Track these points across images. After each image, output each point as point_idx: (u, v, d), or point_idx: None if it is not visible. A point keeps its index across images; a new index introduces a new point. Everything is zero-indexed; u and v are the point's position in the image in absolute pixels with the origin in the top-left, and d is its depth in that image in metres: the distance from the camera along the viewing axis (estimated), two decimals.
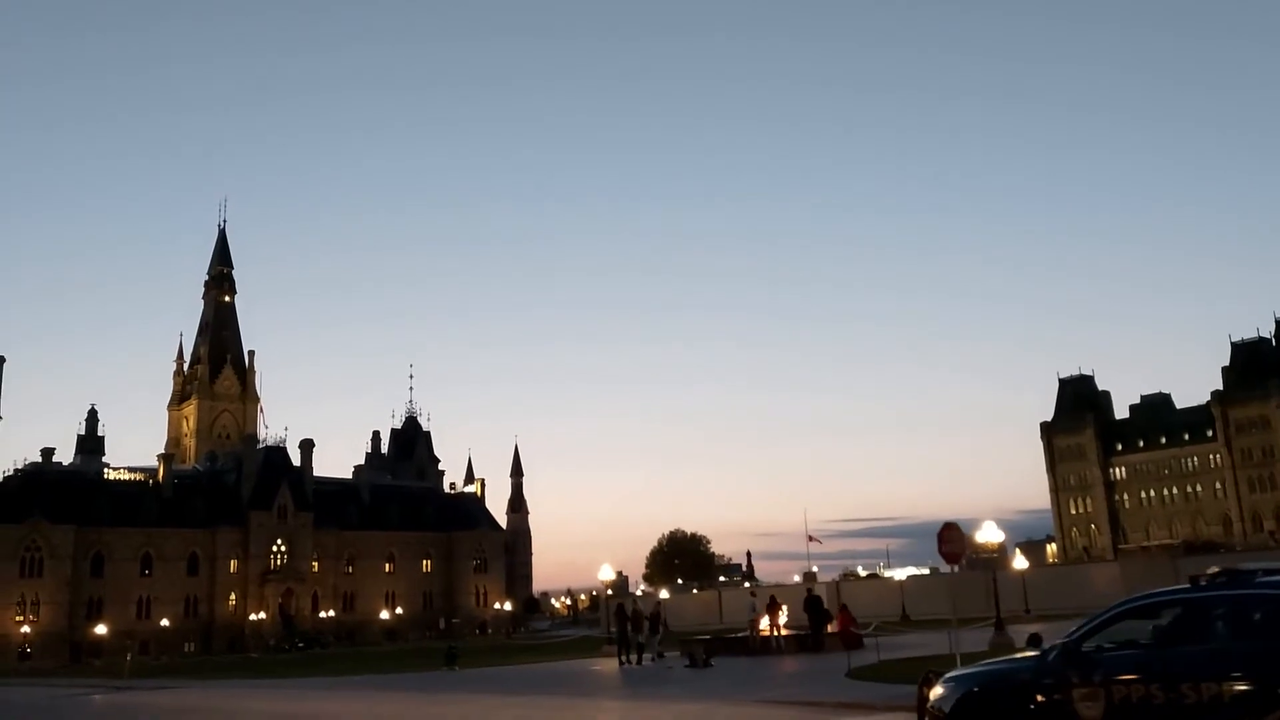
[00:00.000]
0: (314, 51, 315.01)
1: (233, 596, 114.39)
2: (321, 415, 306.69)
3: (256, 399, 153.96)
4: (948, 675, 10.78)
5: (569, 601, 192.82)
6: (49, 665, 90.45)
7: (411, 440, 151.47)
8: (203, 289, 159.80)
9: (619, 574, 70.31)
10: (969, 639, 26.03)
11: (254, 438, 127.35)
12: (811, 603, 37.48)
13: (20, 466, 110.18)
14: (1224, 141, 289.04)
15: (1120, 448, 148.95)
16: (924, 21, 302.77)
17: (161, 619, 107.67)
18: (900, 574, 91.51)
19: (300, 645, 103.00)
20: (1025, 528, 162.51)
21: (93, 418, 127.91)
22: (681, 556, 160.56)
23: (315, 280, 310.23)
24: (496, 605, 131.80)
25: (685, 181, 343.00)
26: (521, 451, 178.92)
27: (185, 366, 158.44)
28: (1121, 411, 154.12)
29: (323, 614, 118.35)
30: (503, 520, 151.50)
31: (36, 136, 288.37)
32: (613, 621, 41.52)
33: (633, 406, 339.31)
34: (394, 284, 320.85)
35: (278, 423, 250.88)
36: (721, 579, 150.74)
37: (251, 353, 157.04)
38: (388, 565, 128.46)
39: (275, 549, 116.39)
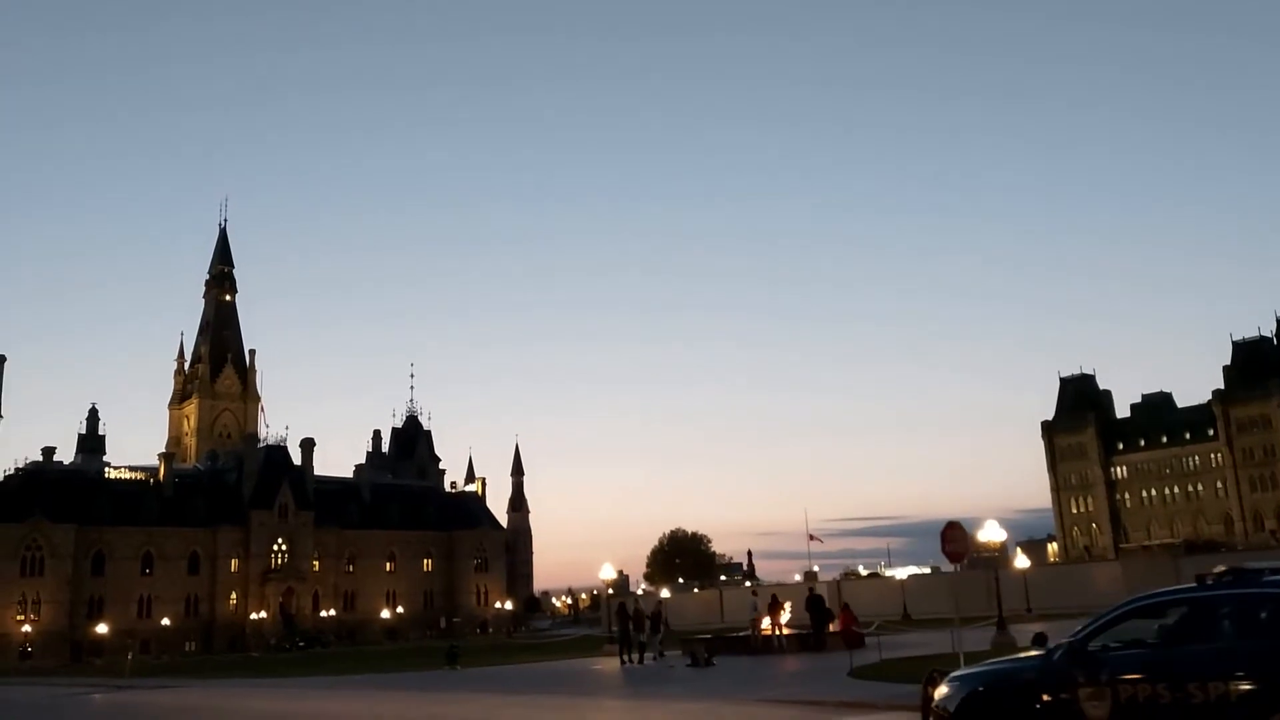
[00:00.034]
0: (314, 51, 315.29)
1: (233, 596, 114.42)
2: (322, 414, 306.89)
3: (257, 398, 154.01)
4: (952, 675, 10.75)
5: (570, 601, 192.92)
6: (50, 664, 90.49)
7: (412, 439, 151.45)
8: (203, 288, 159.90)
9: (620, 573, 70.01)
10: (971, 638, 26.00)
11: (255, 437, 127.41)
12: (813, 602, 37.45)
13: (21, 466, 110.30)
14: (1224, 141, 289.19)
15: (1121, 447, 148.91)
16: (924, 21, 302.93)
17: (162, 618, 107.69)
18: (901, 573, 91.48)
19: (301, 644, 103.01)
20: (1026, 527, 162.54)
21: (93, 417, 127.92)
22: (682, 556, 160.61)
23: (316, 279, 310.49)
24: (497, 604, 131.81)
25: (685, 181, 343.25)
26: (522, 451, 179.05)
27: (186, 366, 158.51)
28: (1123, 411, 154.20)
29: (323, 613, 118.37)
30: (504, 519, 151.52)
31: (36, 136, 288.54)
32: (614, 621, 41.49)
33: (633, 406, 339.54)
34: (394, 283, 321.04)
35: (278, 422, 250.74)
36: (722, 578, 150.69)
37: (252, 352, 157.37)
38: (388, 564, 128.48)
39: (276, 548, 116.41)
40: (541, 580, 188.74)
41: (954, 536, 21.17)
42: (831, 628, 36.71)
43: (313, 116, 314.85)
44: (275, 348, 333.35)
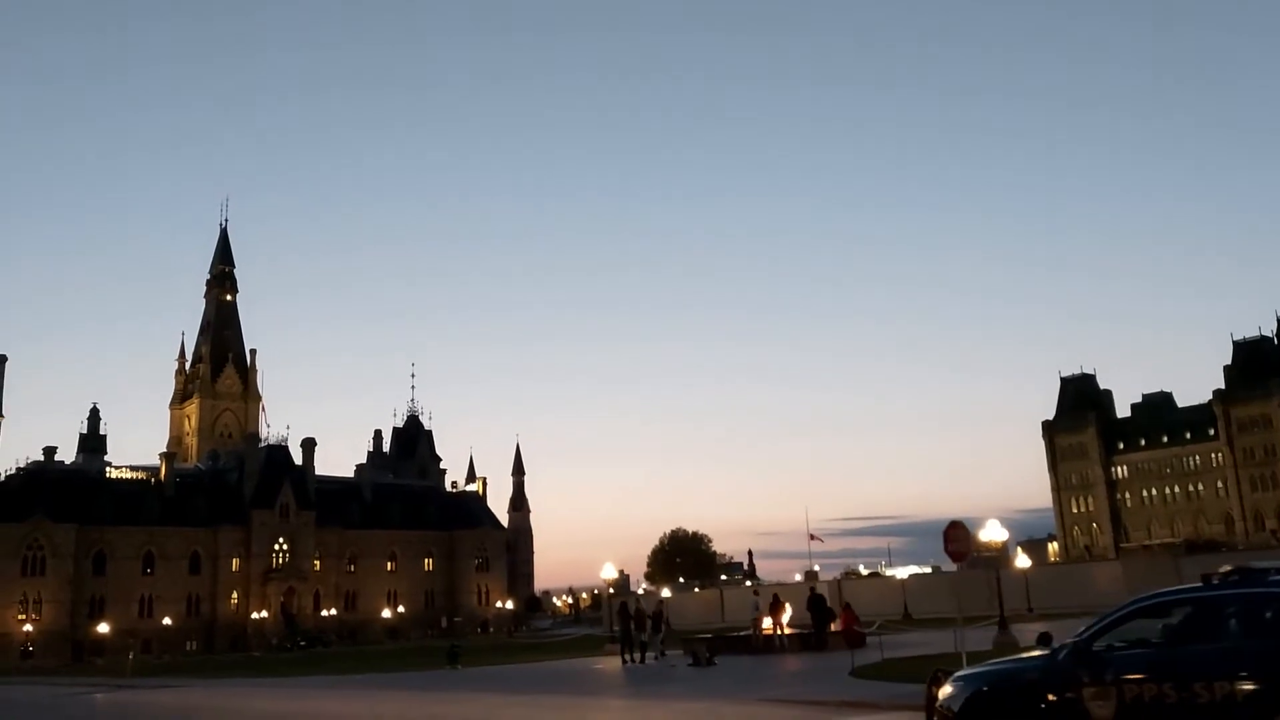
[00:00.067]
0: (314, 51, 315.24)
1: (235, 595, 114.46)
2: (323, 414, 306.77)
3: (258, 398, 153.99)
4: (956, 674, 10.73)
5: (570, 600, 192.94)
6: (51, 664, 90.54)
7: (413, 439, 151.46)
8: (204, 288, 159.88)
9: (621, 573, 69.98)
10: (973, 638, 25.96)
11: (256, 436, 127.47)
12: (815, 601, 37.42)
13: (22, 465, 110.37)
14: (1226, 139, 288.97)
15: (1122, 446, 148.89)
16: (924, 21, 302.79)
17: (164, 618, 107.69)
18: (902, 573, 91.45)
19: (302, 644, 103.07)
20: (1027, 526, 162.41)
21: (95, 416, 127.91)
22: (683, 555, 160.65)
23: (317, 279, 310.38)
24: (498, 604, 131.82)
25: (685, 181, 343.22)
26: (523, 450, 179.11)
27: (187, 365, 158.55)
28: (1123, 410, 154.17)
29: (325, 613, 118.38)
30: (504, 519, 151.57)
31: (36, 136, 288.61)
32: (616, 620, 41.47)
33: (634, 405, 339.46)
34: (395, 283, 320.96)
35: (279, 421, 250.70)
36: (723, 578, 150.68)
37: (253, 351, 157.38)
38: (389, 564, 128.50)
39: (277, 548, 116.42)
40: (542, 580, 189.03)
41: (957, 536, 21.14)
42: (833, 627, 36.68)
43: (313, 116, 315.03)
44: (276, 347, 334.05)
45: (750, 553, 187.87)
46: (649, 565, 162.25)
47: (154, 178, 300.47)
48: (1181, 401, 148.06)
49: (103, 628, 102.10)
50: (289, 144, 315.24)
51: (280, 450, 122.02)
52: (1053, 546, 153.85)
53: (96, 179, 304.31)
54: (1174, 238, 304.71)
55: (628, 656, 35.71)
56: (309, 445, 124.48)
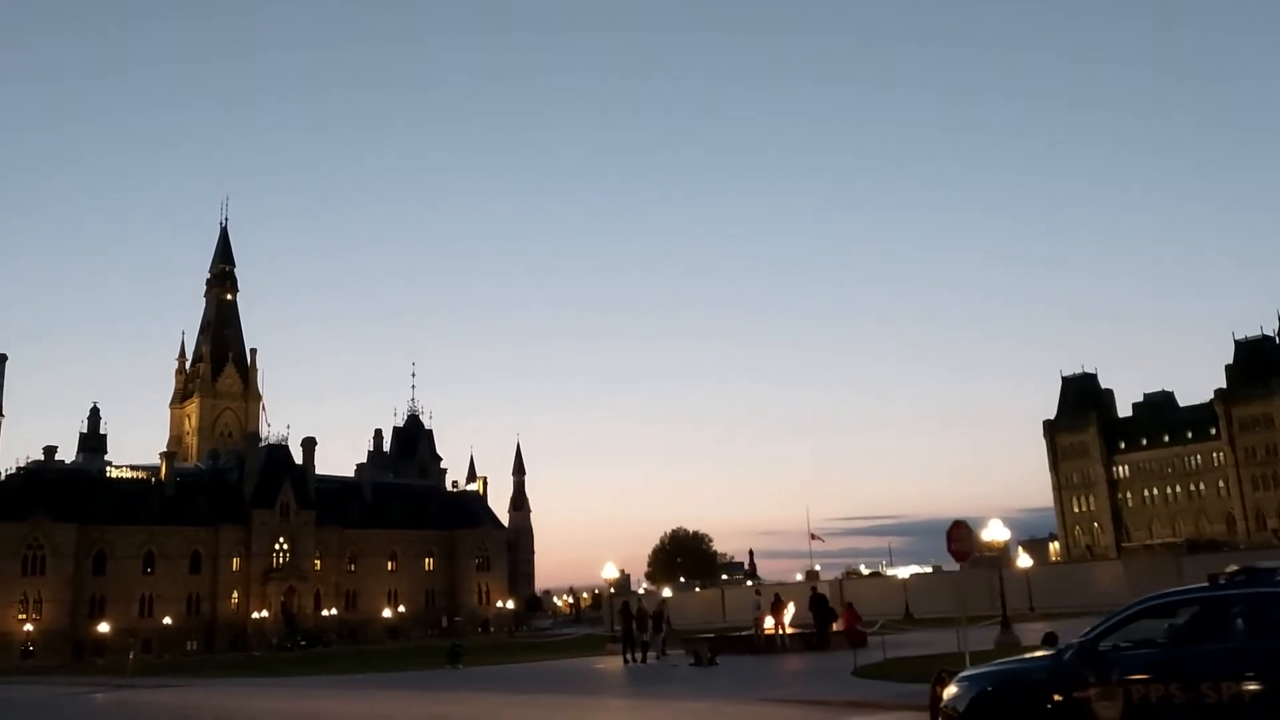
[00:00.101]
0: (314, 50, 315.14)
1: (235, 595, 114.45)
2: (323, 413, 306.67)
3: (259, 397, 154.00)
4: (961, 674, 10.67)
5: (571, 600, 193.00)
6: (51, 663, 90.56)
7: (414, 438, 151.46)
8: (205, 287, 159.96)
9: (622, 572, 70.13)
10: (975, 637, 25.86)
11: (256, 436, 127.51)
12: (816, 601, 37.33)
13: (23, 465, 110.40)
14: (1227, 138, 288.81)
15: (1123, 446, 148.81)
16: (923, 20, 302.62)
17: (164, 617, 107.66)
18: (903, 572, 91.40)
19: (303, 643, 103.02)
20: (1028, 526, 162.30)
21: (95, 416, 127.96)
22: (684, 555, 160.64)
23: (317, 278, 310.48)
24: (499, 603, 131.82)
25: (686, 181, 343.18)
26: (523, 450, 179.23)
27: (187, 364, 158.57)
28: (1124, 410, 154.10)
29: (325, 612, 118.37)
30: (505, 518, 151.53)
31: (36, 136, 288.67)
32: (617, 619, 41.42)
33: (634, 405, 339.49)
34: (396, 282, 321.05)
35: (280, 421, 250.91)
36: (724, 577, 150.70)
37: (253, 351, 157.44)
38: (390, 563, 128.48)
39: (277, 547, 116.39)
40: (543, 579, 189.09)
41: (960, 535, 21.08)
42: (835, 627, 36.62)
43: (313, 116, 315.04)
44: (276, 347, 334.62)
45: (751, 552, 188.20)
46: (650, 565, 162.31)
47: (154, 178, 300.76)
48: (1183, 401, 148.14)
49: (103, 627, 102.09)
50: (289, 144, 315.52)
51: (280, 450, 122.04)
52: (1054, 546, 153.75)
53: (96, 179, 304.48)
54: (1174, 237, 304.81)
55: (629, 656, 35.67)
56: (309, 445, 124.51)
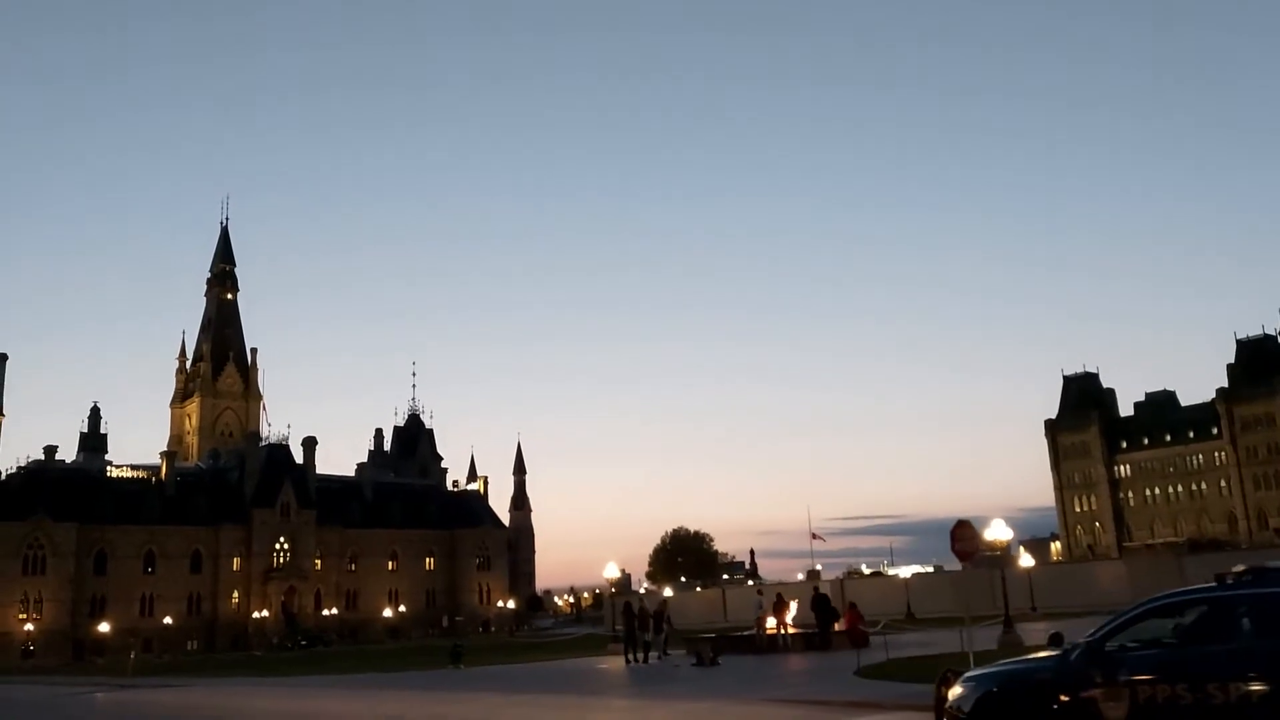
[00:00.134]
0: (314, 50, 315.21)
1: (236, 594, 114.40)
2: (324, 413, 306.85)
3: (259, 396, 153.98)
4: (967, 675, 10.62)
5: (572, 600, 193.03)
6: (52, 663, 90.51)
7: (414, 438, 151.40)
8: (205, 286, 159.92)
9: (623, 572, 70.18)
10: (977, 637, 25.78)
11: (257, 435, 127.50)
12: (819, 601, 37.26)
13: (23, 464, 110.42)
14: (1228, 138, 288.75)
15: (1125, 445, 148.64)
16: (924, 20, 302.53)
17: (164, 617, 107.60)
18: (905, 572, 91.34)
19: (303, 643, 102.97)
20: (1029, 525, 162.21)
21: (95, 415, 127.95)
22: (684, 554, 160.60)
23: (317, 278, 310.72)
24: (499, 603, 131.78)
25: (686, 181, 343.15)
26: (524, 449, 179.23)
27: (188, 364, 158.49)
28: (1126, 409, 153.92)
29: (325, 612, 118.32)
30: (506, 518, 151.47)
31: (36, 136, 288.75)
32: (619, 619, 41.34)
33: (635, 404, 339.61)
34: (396, 282, 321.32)
35: (280, 420, 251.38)
36: (725, 577, 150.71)
37: (254, 350, 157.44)
38: (390, 563, 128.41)
39: (278, 547, 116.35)
40: (543, 579, 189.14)
41: (964, 535, 21.03)
42: (837, 627, 36.56)
43: (313, 116, 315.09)
44: (277, 346, 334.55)
45: (752, 552, 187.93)
46: (650, 564, 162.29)
47: (154, 178, 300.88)
48: (1185, 400, 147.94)
49: (104, 627, 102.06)
50: (289, 144, 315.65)
51: (281, 449, 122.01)
52: (1055, 546, 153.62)
53: (96, 179, 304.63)
54: (1174, 237, 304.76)
55: (631, 656, 35.62)
56: (310, 444, 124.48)
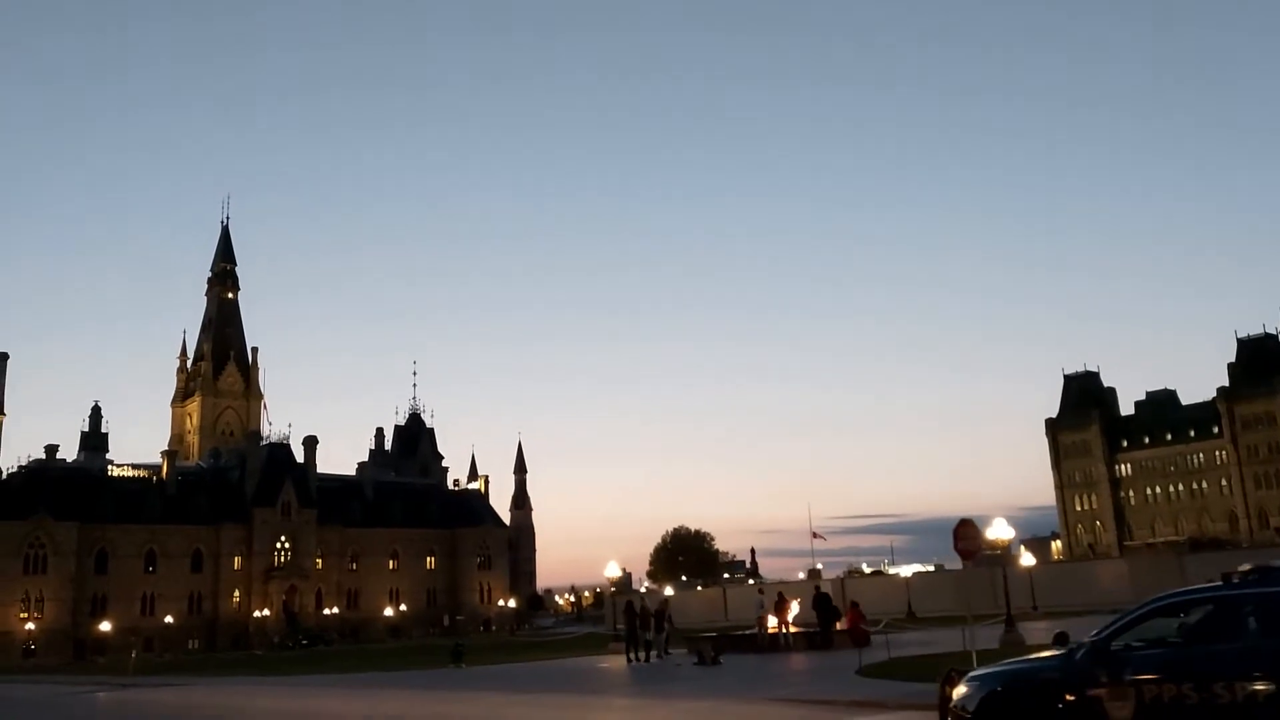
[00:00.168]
0: (314, 50, 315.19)
1: (237, 593, 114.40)
2: (325, 412, 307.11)
3: (260, 396, 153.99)
4: (971, 674, 10.60)
5: (572, 598, 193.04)
6: (53, 662, 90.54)
7: (415, 437, 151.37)
8: (206, 285, 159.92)
9: (624, 571, 70.25)
10: (979, 636, 25.77)
11: (257, 434, 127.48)
12: (820, 600, 37.23)
13: (24, 463, 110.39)
14: (1227, 138, 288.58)
15: (1126, 444, 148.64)
16: (923, 20, 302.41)
17: (165, 616, 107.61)
18: (906, 571, 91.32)
19: (304, 642, 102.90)
20: (1030, 524, 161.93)
21: (96, 414, 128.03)
22: (685, 553, 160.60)
23: (318, 277, 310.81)
24: (500, 602, 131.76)
25: (685, 181, 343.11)
26: (524, 448, 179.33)
27: (189, 363, 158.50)
28: (1127, 408, 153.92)
29: (326, 611, 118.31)
30: (506, 517, 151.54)
31: (36, 136, 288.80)
32: (620, 618, 41.32)
33: (635, 403, 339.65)
34: (397, 281, 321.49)
35: (281, 419, 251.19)
36: (725, 576, 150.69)
37: (255, 349, 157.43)
38: (391, 562, 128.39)
39: (279, 546, 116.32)
40: (544, 578, 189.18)
41: (966, 534, 20.98)
42: (838, 626, 36.53)
43: (313, 116, 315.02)
44: (278, 345, 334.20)
45: (753, 551, 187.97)
46: (651, 564, 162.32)
47: (154, 178, 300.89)
48: (1185, 399, 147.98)
49: (105, 626, 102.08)
50: (289, 144, 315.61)
51: (282, 448, 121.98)
52: (1056, 544, 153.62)
53: (96, 179, 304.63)
54: (1174, 237, 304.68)
55: (633, 655, 35.59)
56: (311, 443, 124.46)
